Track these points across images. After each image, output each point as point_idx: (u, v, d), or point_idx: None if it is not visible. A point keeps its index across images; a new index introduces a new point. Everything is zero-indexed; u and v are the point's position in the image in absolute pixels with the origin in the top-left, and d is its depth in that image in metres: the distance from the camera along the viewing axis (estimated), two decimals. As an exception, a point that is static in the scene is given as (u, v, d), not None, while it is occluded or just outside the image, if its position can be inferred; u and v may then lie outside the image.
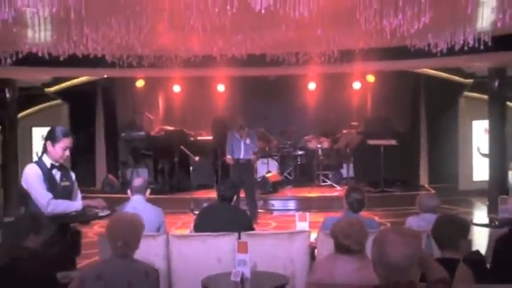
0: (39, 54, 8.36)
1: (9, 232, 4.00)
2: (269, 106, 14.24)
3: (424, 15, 6.15)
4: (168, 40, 8.64)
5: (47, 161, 4.87)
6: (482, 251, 4.03)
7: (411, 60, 10.24)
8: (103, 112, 14.70)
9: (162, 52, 9.73)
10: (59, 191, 4.84)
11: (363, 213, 5.41)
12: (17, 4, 5.59)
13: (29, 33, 7.90)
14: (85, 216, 5.02)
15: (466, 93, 13.82)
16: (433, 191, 11.35)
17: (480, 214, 11.47)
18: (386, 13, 6.24)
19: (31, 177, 4.78)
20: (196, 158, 11.84)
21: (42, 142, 4.98)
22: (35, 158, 5.03)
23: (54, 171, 4.89)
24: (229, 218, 5.59)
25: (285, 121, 14.46)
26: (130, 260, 3.62)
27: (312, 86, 14.21)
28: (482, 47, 7.57)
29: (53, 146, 4.86)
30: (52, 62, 8.76)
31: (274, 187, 13.00)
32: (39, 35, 7.81)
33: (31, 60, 8.82)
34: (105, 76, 12.91)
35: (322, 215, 6.65)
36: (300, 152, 14.19)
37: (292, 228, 5.81)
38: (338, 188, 12.97)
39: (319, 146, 13.52)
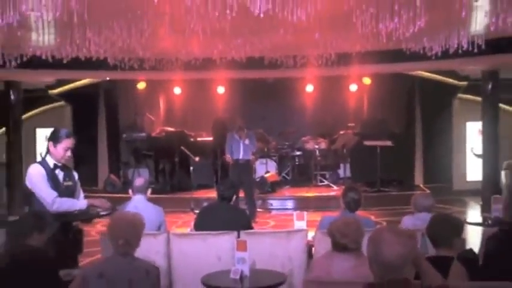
0: (43, 57, 8.37)
1: (14, 230, 4.00)
2: (268, 108, 14.24)
3: (420, 19, 6.17)
4: (169, 43, 8.64)
5: (50, 161, 4.88)
6: (476, 249, 4.03)
7: (406, 63, 10.24)
8: (105, 113, 14.69)
9: (163, 55, 9.73)
10: (62, 191, 4.84)
11: (360, 213, 5.41)
12: (22, 8, 5.59)
13: (33, 36, 7.91)
14: (86, 215, 5.03)
15: (460, 95, 13.84)
16: (428, 191, 11.33)
17: (474, 213, 11.48)
18: (382, 17, 6.25)
19: (35, 176, 4.79)
20: (197, 159, 11.84)
21: (46, 143, 4.99)
22: (38, 158, 5.04)
23: (57, 171, 4.89)
24: (229, 217, 5.59)
25: (283, 122, 14.46)
26: (131, 258, 3.62)
27: (309, 88, 14.21)
28: (476, 50, 7.59)
29: (55, 146, 4.87)
30: (55, 64, 8.78)
31: (273, 187, 13.00)
32: (43, 39, 7.82)
33: (35, 63, 8.84)
34: (107, 78, 12.91)
35: (320, 214, 6.63)
36: (298, 153, 14.19)
37: (290, 227, 5.82)
38: (335, 187, 12.97)
39: (316, 146, 13.53)
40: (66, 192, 4.88)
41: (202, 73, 11.12)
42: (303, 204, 11.94)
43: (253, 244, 4.74)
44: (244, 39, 8.33)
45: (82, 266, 4.99)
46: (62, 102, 14.22)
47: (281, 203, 12.51)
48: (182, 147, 12.05)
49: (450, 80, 13.26)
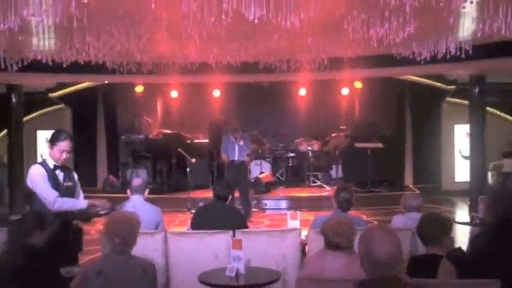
0: (44, 61, 8.36)
1: (15, 229, 3.99)
2: (262, 111, 14.24)
3: (409, 25, 6.20)
4: (166, 48, 8.64)
5: (50, 162, 4.87)
6: (464, 247, 4.04)
7: (397, 68, 10.28)
8: (104, 116, 14.70)
9: (160, 59, 9.73)
10: (62, 191, 4.83)
11: (351, 212, 5.41)
12: (23, 13, 5.58)
13: (34, 41, 7.89)
14: (86, 214, 5.02)
15: (448, 98, 13.91)
16: (417, 191, 11.37)
17: (462, 213, 11.50)
18: (373, 23, 6.28)
19: (36, 177, 4.77)
20: (193, 160, 11.82)
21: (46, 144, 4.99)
22: (39, 159, 5.02)
23: (57, 171, 4.88)
24: (225, 216, 5.58)
25: (277, 125, 14.46)
26: (128, 256, 3.62)
27: (302, 91, 14.24)
28: (463, 56, 7.63)
29: (52, 148, 4.87)
30: (56, 68, 8.77)
31: (267, 187, 13.00)
32: (43, 43, 7.82)
33: (36, 66, 8.81)
34: (106, 82, 12.89)
35: (313, 213, 6.62)
36: (292, 154, 14.20)
37: (284, 226, 5.81)
38: (327, 188, 12.98)
39: (309, 148, 13.55)
40: (66, 192, 4.87)
41: (199, 77, 11.11)
42: (296, 204, 11.94)
43: (249, 243, 4.73)
44: (239, 44, 8.33)
45: (82, 264, 4.97)
46: (62, 105, 14.21)
47: (275, 203, 12.51)
48: (179, 149, 12.03)
49: (439, 84, 13.31)
